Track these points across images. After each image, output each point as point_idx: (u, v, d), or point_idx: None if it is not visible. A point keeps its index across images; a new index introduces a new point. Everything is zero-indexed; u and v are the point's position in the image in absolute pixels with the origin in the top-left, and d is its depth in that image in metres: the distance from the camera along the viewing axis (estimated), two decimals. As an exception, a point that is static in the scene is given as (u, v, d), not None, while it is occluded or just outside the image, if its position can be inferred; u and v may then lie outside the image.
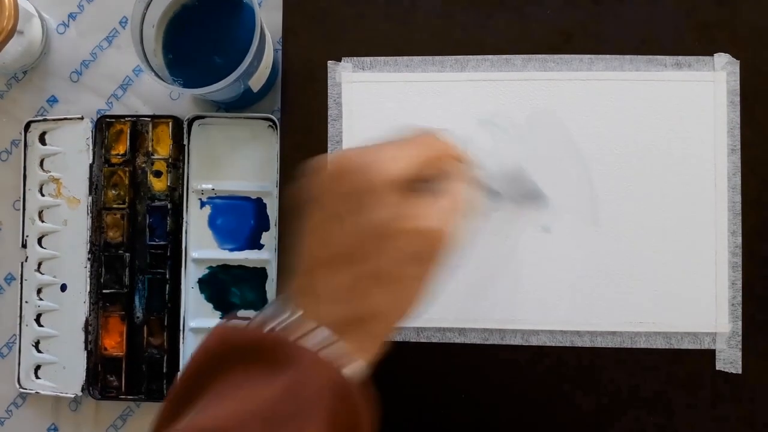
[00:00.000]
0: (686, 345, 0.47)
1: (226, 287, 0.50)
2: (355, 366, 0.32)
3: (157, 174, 0.50)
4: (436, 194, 0.34)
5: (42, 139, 0.51)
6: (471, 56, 0.49)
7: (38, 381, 0.50)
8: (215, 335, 0.32)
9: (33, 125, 0.51)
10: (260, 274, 0.50)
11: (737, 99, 0.48)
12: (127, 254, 0.50)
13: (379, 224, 0.32)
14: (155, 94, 0.52)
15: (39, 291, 0.51)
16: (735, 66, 0.48)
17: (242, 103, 0.50)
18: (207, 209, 0.50)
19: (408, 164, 0.33)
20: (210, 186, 0.50)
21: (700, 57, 0.48)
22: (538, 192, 0.47)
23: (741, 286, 0.47)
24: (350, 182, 0.33)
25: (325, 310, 0.32)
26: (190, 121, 0.50)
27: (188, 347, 0.49)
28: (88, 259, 0.50)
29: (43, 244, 0.51)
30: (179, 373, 0.32)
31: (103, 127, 0.51)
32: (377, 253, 0.32)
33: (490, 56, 0.49)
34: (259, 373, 0.30)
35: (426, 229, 0.32)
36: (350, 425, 0.31)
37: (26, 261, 0.51)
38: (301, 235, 0.34)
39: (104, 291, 0.50)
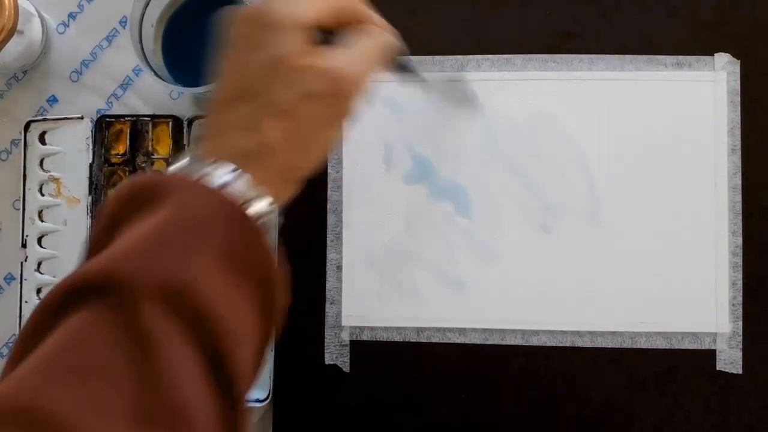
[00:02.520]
0: (686, 345, 0.47)
1: (226, 287, 0.50)
2: (261, 203, 0.31)
3: (157, 174, 0.50)
4: (346, 44, 0.34)
5: (42, 139, 0.51)
6: (471, 56, 0.49)
7: (38, 381, 0.50)
8: (116, 190, 0.31)
9: (33, 125, 0.51)
10: (260, 274, 0.50)
11: (737, 99, 0.48)
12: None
13: (278, 58, 0.32)
14: (155, 93, 0.52)
15: (39, 291, 0.51)
16: (735, 66, 0.48)
17: (242, 103, 0.50)
18: (207, 209, 0.50)
19: (316, 8, 0.33)
20: (210, 186, 0.50)
21: (700, 57, 0.48)
22: (472, 95, 0.47)
23: (741, 286, 0.47)
24: (259, 21, 0.33)
25: (223, 146, 0.32)
26: (190, 121, 0.50)
27: (188, 347, 0.49)
28: (88, 258, 0.50)
29: (42, 244, 0.51)
30: (94, 224, 0.32)
31: (103, 126, 0.51)
32: (272, 87, 0.32)
33: (490, 56, 0.49)
34: (146, 213, 0.29)
35: (324, 68, 0.32)
36: (253, 262, 0.30)
37: (26, 261, 0.51)
38: (217, 76, 0.34)
39: (104, 291, 0.50)
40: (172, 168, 0.32)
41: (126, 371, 0.26)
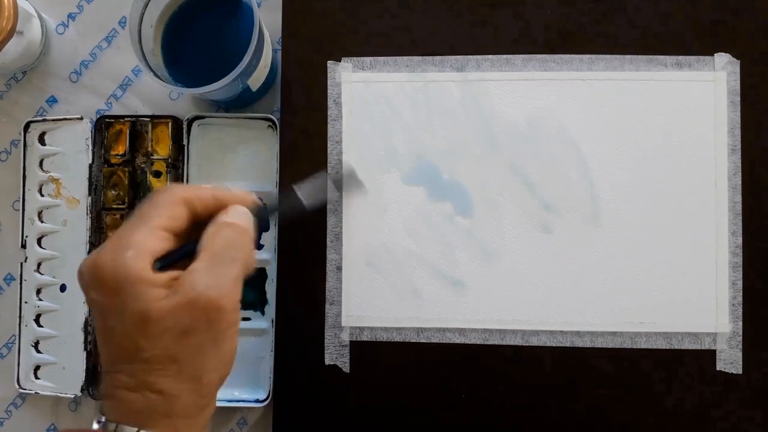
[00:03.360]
0: (686, 345, 0.47)
1: (226, 287, 0.50)
2: None
3: (157, 174, 0.50)
4: (198, 256, 0.34)
5: (41, 140, 0.51)
6: (471, 56, 0.49)
7: (38, 381, 0.50)
8: None
9: (32, 125, 0.51)
10: (260, 274, 0.50)
11: (737, 99, 0.48)
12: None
13: (139, 314, 0.32)
14: (155, 94, 0.52)
15: (38, 291, 0.51)
16: (735, 66, 0.48)
17: (241, 103, 0.50)
18: (207, 209, 0.50)
19: (151, 240, 0.33)
20: (210, 186, 0.50)
21: (700, 57, 0.48)
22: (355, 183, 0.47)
23: (741, 286, 0.47)
24: (99, 287, 0.33)
25: (120, 407, 0.33)
26: (190, 121, 0.50)
27: (188, 348, 0.49)
28: (88, 259, 0.50)
29: (42, 245, 0.51)
30: None
31: (103, 127, 0.51)
32: (145, 342, 0.32)
33: (490, 56, 0.49)
34: None
35: (186, 303, 0.32)
36: None
37: (26, 261, 0.51)
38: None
39: (104, 291, 0.50)
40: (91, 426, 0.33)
41: None
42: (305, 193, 0.41)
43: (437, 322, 0.48)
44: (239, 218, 0.36)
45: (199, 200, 0.36)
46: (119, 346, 0.33)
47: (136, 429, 0.32)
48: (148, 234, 0.33)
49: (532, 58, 0.49)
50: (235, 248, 0.35)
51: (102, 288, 0.33)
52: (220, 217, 0.35)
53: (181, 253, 0.34)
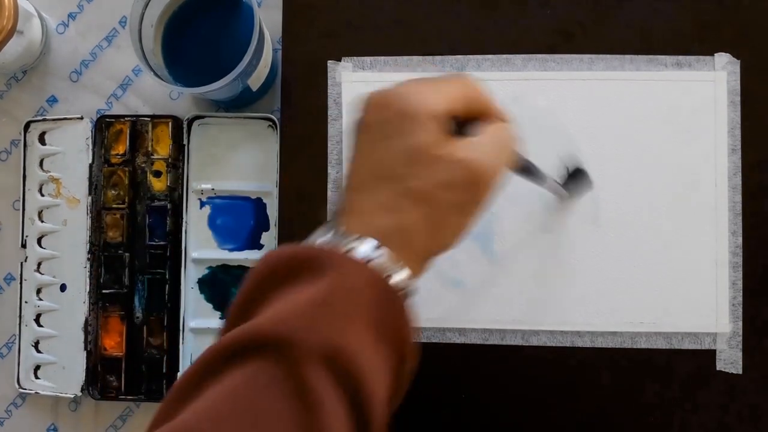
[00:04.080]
0: (686, 345, 0.47)
1: (226, 287, 0.50)
2: (401, 276, 0.33)
3: (157, 174, 0.50)
4: (480, 134, 0.35)
5: (42, 139, 0.51)
6: (471, 56, 0.49)
7: (38, 381, 0.50)
8: (264, 259, 0.34)
9: (33, 125, 0.51)
10: (260, 274, 0.50)
11: (737, 99, 0.48)
12: (126, 254, 0.50)
13: (418, 148, 0.33)
14: (155, 93, 0.52)
15: (38, 291, 0.51)
16: (735, 66, 0.48)
17: (241, 103, 0.50)
18: (207, 209, 0.50)
19: (447, 99, 0.34)
20: (210, 186, 0.50)
21: (700, 57, 0.48)
22: (589, 182, 0.47)
23: (741, 286, 0.47)
24: (394, 109, 0.34)
25: (365, 223, 0.34)
26: (190, 121, 0.50)
27: (188, 347, 0.49)
28: (88, 259, 0.50)
29: (42, 244, 0.51)
30: (233, 301, 0.34)
31: (103, 127, 0.51)
32: (414, 174, 0.33)
33: (490, 56, 0.49)
34: (305, 281, 0.32)
35: (461, 159, 0.34)
36: (394, 330, 0.33)
37: (26, 261, 0.51)
38: (350, 159, 0.36)
39: (104, 291, 0.50)
40: (318, 240, 0.34)
41: (292, 424, 0.28)
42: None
43: (437, 322, 0.48)
44: (515, 132, 0.37)
45: (491, 107, 0.37)
46: (389, 168, 0.34)
47: (376, 243, 0.33)
48: (452, 95, 0.35)
49: (532, 58, 0.49)
50: (510, 144, 0.36)
51: (401, 111, 0.34)
52: (504, 122, 0.37)
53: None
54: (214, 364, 0.30)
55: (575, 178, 0.46)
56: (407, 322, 0.33)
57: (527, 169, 0.40)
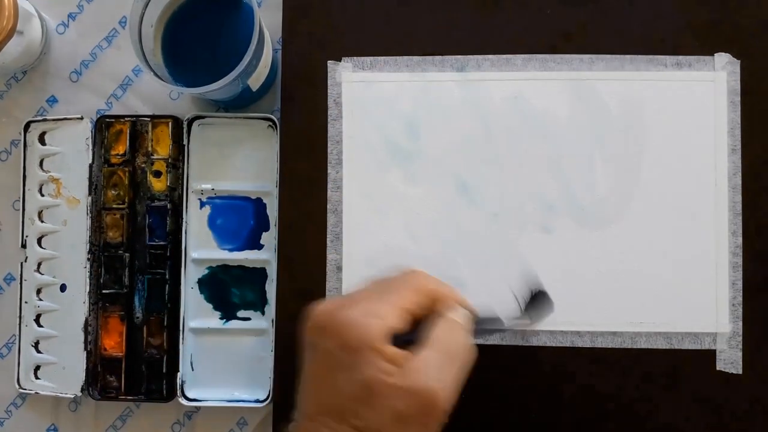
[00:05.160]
0: (686, 345, 0.47)
1: (226, 287, 0.50)
2: None
3: (157, 174, 0.50)
4: (427, 345, 0.34)
5: (42, 139, 0.51)
6: (471, 56, 0.49)
7: (38, 381, 0.50)
8: None
9: (33, 125, 0.51)
10: (260, 274, 0.50)
11: (737, 99, 0.48)
12: (126, 254, 0.50)
13: (362, 384, 0.32)
14: (155, 94, 0.52)
15: (38, 291, 0.51)
16: (735, 66, 0.48)
17: (241, 103, 0.50)
18: (207, 209, 0.50)
19: (393, 316, 0.34)
20: (210, 186, 0.50)
21: (700, 57, 0.48)
22: (550, 306, 0.46)
23: (741, 286, 0.47)
24: (335, 340, 0.34)
25: None
26: (190, 121, 0.50)
27: (188, 347, 0.49)
28: (88, 259, 0.50)
29: (42, 245, 0.51)
30: None
31: (103, 127, 0.51)
32: (362, 410, 0.32)
33: (490, 56, 0.49)
34: None
35: (414, 390, 0.33)
36: None
37: (26, 261, 0.51)
38: (301, 379, 0.35)
39: (104, 291, 0.50)
40: None
41: None
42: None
43: (437, 322, 0.48)
44: (466, 321, 0.37)
45: (441, 296, 0.37)
46: (335, 403, 0.33)
47: None
48: (394, 311, 0.34)
49: (532, 58, 0.49)
50: (462, 350, 0.35)
51: (341, 342, 0.33)
52: (451, 315, 0.36)
53: (408, 338, 0.35)
54: None
55: (537, 301, 0.46)
56: None
57: (484, 329, 0.40)
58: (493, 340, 0.47)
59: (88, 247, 0.50)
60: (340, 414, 0.33)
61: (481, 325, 0.40)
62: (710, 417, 0.46)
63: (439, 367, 0.34)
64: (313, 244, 0.48)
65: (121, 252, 0.50)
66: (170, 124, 0.50)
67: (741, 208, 0.47)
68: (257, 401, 0.49)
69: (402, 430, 0.33)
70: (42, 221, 0.51)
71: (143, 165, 0.51)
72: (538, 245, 0.48)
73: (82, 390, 0.49)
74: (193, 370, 0.49)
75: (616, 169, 0.48)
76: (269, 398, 0.48)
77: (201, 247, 0.50)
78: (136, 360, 0.50)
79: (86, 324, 0.50)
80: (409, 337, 0.35)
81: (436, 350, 0.34)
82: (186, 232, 0.50)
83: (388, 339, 0.34)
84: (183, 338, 0.49)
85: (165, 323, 0.49)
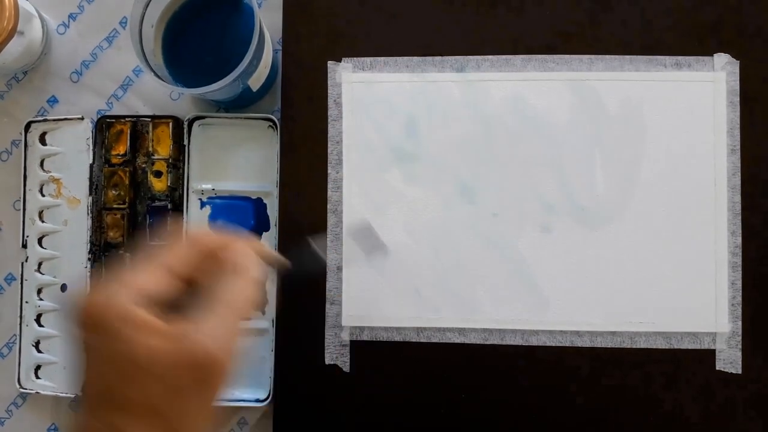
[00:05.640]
0: (686, 345, 0.47)
1: (226, 287, 0.50)
2: None
3: (158, 174, 0.50)
4: (200, 306, 0.31)
5: (42, 140, 0.51)
6: (471, 56, 0.49)
7: (38, 381, 0.50)
8: None
9: (33, 125, 0.51)
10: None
11: (737, 99, 0.48)
12: (127, 254, 0.50)
13: (129, 357, 0.29)
14: (155, 94, 0.52)
15: (39, 291, 0.51)
16: (735, 66, 0.48)
17: (242, 103, 0.51)
18: (207, 209, 0.50)
19: (149, 281, 0.31)
20: (210, 186, 0.50)
21: (700, 57, 0.48)
22: (380, 244, 0.47)
23: (741, 286, 0.47)
24: (87, 325, 0.30)
25: None
26: (190, 122, 0.50)
27: (188, 347, 0.49)
28: (89, 259, 0.50)
29: (43, 245, 0.51)
30: None
31: (104, 127, 0.51)
32: (134, 389, 0.29)
33: (490, 56, 0.49)
34: None
35: (184, 354, 0.29)
36: None
37: (26, 261, 0.51)
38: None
39: (104, 291, 0.50)
40: None
41: None
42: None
43: (437, 322, 0.48)
44: (251, 268, 0.33)
45: (218, 250, 0.33)
46: (103, 393, 0.30)
47: None
48: (151, 275, 0.31)
49: (532, 58, 0.49)
50: (241, 300, 0.32)
51: (90, 326, 0.30)
52: (229, 266, 0.33)
53: (183, 303, 0.32)
54: None
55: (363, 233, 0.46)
56: None
57: (300, 270, 0.39)
58: (493, 339, 0.47)
59: (88, 247, 0.50)
60: (110, 402, 0.29)
61: (297, 265, 0.38)
62: (710, 417, 0.46)
63: (215, 326, 0.30)
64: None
65: (121, 252, 0.50)
66: (171, 124, 0.50)
67: (740, 208, 0.47)
68: (257, 401, 0.49)
69: (179, 401, 0.29)
70: (43, 221, 0.51)
71: (144, 165, 0.51)
72: (537, 245, 0.48)
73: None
74: (193, 369, 0.49)
75: (615, 169, 0.48)
76: (269, 398, 0.48)
77: (201, 247, 0.50)
78: (136, 360, 0.50)
79: (87, 324, 0.50)
80: (185, 301, 0.31)
81: (211, 308, 0.31)
82: (187, 232, 0.50)
83: (143, 306, 0.30)
84: (183, 338, 0.49)
85: (165, 323, 0.49)
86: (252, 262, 0.33)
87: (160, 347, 0.29)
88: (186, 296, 0.32)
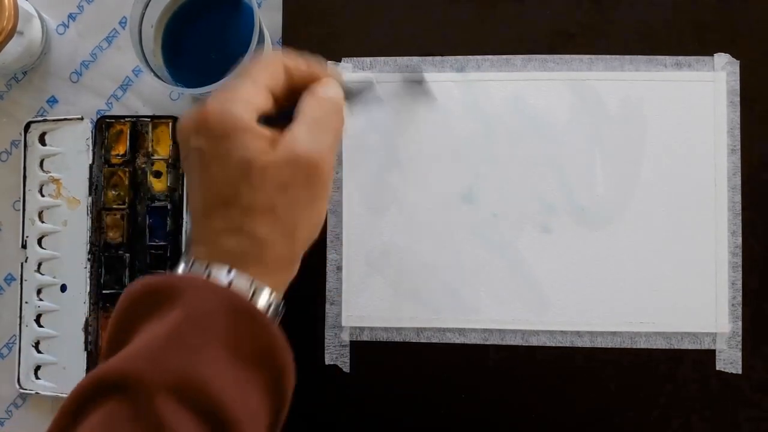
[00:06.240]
0: (686, 345, 0.47)
1: (226, 287, 0.50)
2: (262, 295, 0.33)
3: (157, 174, 0.50)
4: (296, 120, 0.35)
5: (42, 140, 0.51)
6: (471, 56, 0.49)
7: (38, 381, 0.50)
8: (126, 292, 0.34)
9: (33, 126, 0.51)
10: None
11: (737, 99, 0.48)
12: (127, 255, 0.50)
13: (242, 164, 0.33)
14: (155, 94, 0.52)
15: (39, 291, 0.51)
16: (735, 66, 0.48)
17: (242, 104, 0.50)
18: (207, 209, 0.50)
19: (256, 97, 0.34)
20: (210, 186, 0.50)
21: (700, 57, 0.48)
22: (421, 78, 0.47)
23: (741, 286, 0.47)
24: (204, 132, 0.34)
25: (213, 250, 0.34)
26: (190, 122, 0.50)
27: (188, 347, 0.49)
28: (88, 259, 0.50)
29: (43, 245, 0.51)
30: (105, 334, 0.34)
31: (103, 127, 0.51)
32: (246, 190, 0.33)
33: (490, 56, 0.49)
34: (161, 313, 0.31)
35: (290, 158, 0.33)
36: (261, 350, 0.32)
37: (26, 261, 0.51)
38: (187, 192, 0.36)
39: (104, 291, 0.50)
40: (177, 271, 0.34)
41: None
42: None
43: (437, 322, 0.48)
44: (335, 92, 0.37)
45: (297, 69, 0.37)
46: (219, 193, 0.34)
47: (227, 267, 0.33)
48: (254, 90, 0.34)
49: (532, 58, 0.49)
50: (332, 118, 0.36)
51: (209, 134, 0.34)
52: (317, 88, 0.36)
53: (282, 115, 0.35)
54: (77, 406, 0.30)
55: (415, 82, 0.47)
56: (275, 340, 0.33)
57: (358, 93, 0.40)
58: (493, 339, 0.47)
59: (88, 247, 0.50)
60: (225, 200, 0.33)
61: (359, 94, 0.40)
62: (710, 417, 0.46)
63: (312, 136, 0.34)
64: (313, 244, 0.48)
65: (121, 252, 0.50)
66: (170, 124, 0.50)
67: (740, 208, 0.47)
68: (257, 401, 0.49)
69: (290, 197, 0.34)
70: (42, 221, 0.51)
71: (143, 165, 0.51)
72: (537, 245, 0.48)
73: (83, 390, 0.49)
74: (193, 370, 0.49)
75: (615, 169, 0.48)
76: (269, 398, 0.48)
77: (201, 248, 0.50)
78: (136, 360, 0.50)
79: (86, 324, 0.50)
80: (276, 119, 0.35)
81: (306, 122, 0.35)
82: (186, 233, 0.50)
83: (255, 119, 0.34)
84: (183, 338, 0.49)
85: (165, 323, 0.49)
86: (333, 86, 0.37)
87: (272, 156, 0.33)
88: (278, 114, 0.36)
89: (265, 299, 0.33)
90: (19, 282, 0.51)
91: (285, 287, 0.36)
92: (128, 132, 0.50)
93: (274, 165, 0.33)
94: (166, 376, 0.29)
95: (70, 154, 0.51)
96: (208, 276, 0.33)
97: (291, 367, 0.33)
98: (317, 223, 0.36)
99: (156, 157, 0.50)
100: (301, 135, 0.34)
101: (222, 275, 0.33)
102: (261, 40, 0.44)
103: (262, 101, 0.35)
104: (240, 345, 0.31)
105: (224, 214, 0.33)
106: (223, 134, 0.33)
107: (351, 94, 0.40)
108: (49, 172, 0.51)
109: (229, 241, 0.33)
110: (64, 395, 0.49)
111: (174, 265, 0.49)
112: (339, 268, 0.48)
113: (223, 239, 0.33)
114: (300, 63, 0.37)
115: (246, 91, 0.34)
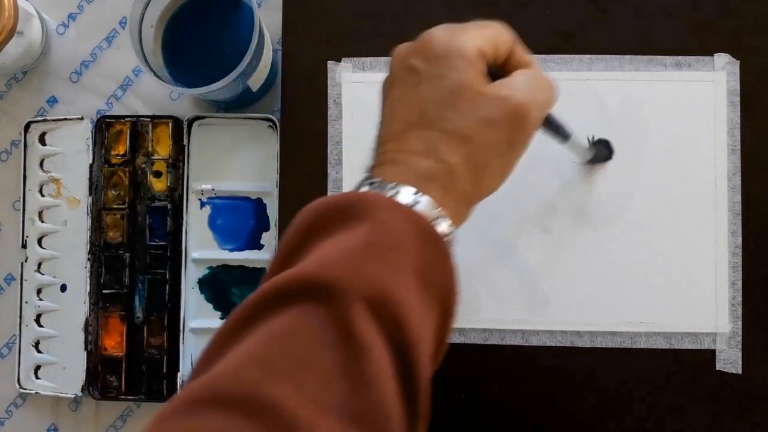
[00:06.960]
0: (686, 345, 0.47)
1: (227, 287, 0.50)
2: (443, 223, 0.32)
3: (157, 174, 0.50)
4: (519, 70, 0.35)
5: (42, 140, 0.51)
6: (471, 56, 0.49)
7: (38, 381, 0.50)
8: (306, 209, 0.33)
9: (33, 126, 0.51)
10: (260, 274, 0.50)
11: (737, 99, 0.48)
12: (127, 254, 0.50)
13: (453, 88, 0.33)
14: (155, 94, 0.52)
15: (39, 291, 0.51)
16: (735, 66, 0.48)
17: (241, 103, 0.51)
18: (207, 209, 0.50)
19: (479, 41, 0.34)
20: (210, 186, 0.50)
21: (700, 57, 0.48)
22: (610, 150, 0.47)
23: (741, 286, 0.47)
24: (423, 54, 0.34)
25: (402, 171, 0.33)
26: (190, 122, 0.50)
27: (188, 347, 0.49)
28: (88, 259, 0.50)
29: (43, 245, 0.51)
30: (274, 253, 0.33)
31: (103, 127, 0.51)
32: (450, 113, 0.33)
33: (489, 56, 0.49)
34: (348, 227, 0.30)
35: (501, 95, 0.33)
36: (438, 279, 0.31)
37: (26, 261, 0.51)
38: (383, 113, 0.35)
39: (104, 291, 0.50)
40: (358, 189, 0.33)
41: (338, 369, 0.27)
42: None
43: (437, 322, 0.48)
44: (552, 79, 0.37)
45: (516, 49, 0.36)
46: (422, 112, 0.33)
47: (414, 190, 0.32)
48: (480, 36, 0.34)
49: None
50: (547, 91, 0.36)
51: (429, 54, 0.34)
52: (537, 66, 0.36)
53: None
54: (259, 309, 0.29)
55: (598, 145, 0.46)
56: (451, 271, 0.32)
57: (554, 122, 0.39)
58: (493, 339, 0.47)
59: (88, 247, 0.50)
60: (426, 121, 0.33)
61: (553, 117, 0.39)
62: (710, 417, 0.46)
63: (530, 87, 0.34)
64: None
65: (121, 252, 0.50)
66: (170, 124, 0.50)
67: (740, 208, 0.47)
68: (257, 401, 0.49)
69: (489, 133, 0.33)
70: (42, 221, 0.51)
71: (143, 165, 0.51)
72: (537, 245, 0.48)
73: (83, 390, 0.49)
74: (193, 370, 0.49)
75: (615, 169, 0.48)
76: (269, 398, 0.48)
77: (201, 248, 0.50)
78: (136, 360, 0.50)
79: (86, 324, 0.50)
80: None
81: (526, 76, 0.34)
82: (186, 233, 0.50)
83: (479, 60, 0.34)
84: (183, 338, 0.49)
85: (165, 323, 0.49)
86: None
87: (487, 85, 0.33)
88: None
89: (445, 227, 0.32)
90: (19, 282, 0.51)
91: (460, 224, 0.34)
92: (128, 132, 0.50)
93: (485, 97, 0.33)
94: (365, 288, 0.28)
95: (70, 154, 0.51)
96: (396, 195, 0.32)
97: (457, 310, 0.32)
98: (504, 173, 0.35)
99: (156, 157, 0.50)
100: (519, 82, 0.34)
101: (408, 197, 0.32)
102: (261, 40, 0.44)
103: (487, 49, 0.34)
104: (426, 270, 0.31)
105: (422, 135, 0.33)
106: (443, 55, 0.33)
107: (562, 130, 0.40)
108: (49, 172, 0.51)
109: (421, 163, 0.32)
110: (65, 395, 0.50)
111: (175, 265, 0.50)
112: (339, 268, 0.48)
113: (415, 160, 0.33)
114: (519, 48, 0.37)
115: (472, 33, 0.34)
